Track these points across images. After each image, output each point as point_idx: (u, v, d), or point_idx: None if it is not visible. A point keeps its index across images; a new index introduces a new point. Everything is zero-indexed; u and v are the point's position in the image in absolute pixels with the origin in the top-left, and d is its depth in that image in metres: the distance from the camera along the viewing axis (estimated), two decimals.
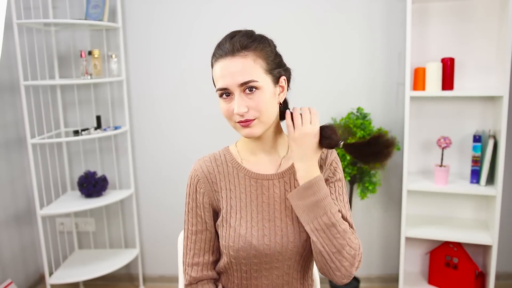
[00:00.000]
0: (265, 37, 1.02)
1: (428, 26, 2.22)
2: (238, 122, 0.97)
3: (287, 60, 1.07)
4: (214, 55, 0.99)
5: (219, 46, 0.98)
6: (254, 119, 0.96)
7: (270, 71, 0.98)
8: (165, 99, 2.49)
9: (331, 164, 1.07)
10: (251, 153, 1.08)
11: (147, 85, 2.48)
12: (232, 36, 0.98)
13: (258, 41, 0.97)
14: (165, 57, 2.45)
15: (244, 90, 0.95)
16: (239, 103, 0.94)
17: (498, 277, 2.34)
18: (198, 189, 1.06)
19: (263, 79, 0.96)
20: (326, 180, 1.06)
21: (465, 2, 2.16)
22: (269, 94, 0.97)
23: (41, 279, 2.69)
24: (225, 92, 0.96)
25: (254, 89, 0.95)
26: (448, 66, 2.10)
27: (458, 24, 2.19)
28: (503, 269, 2.42)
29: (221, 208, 1.05)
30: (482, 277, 2.24)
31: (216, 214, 1.07)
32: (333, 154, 1.09)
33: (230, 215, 1.03)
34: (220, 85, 0.96)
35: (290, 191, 1.04)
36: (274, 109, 1.00)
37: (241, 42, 0.95)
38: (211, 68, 1.02)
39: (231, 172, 1.06)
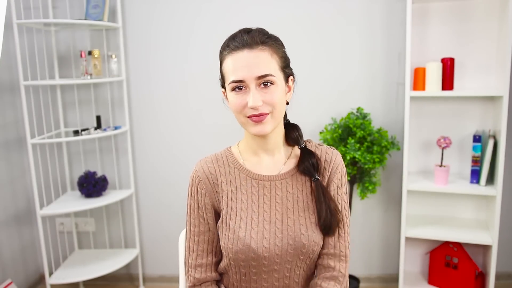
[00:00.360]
0: (277, 37, 1.03)
1: (428, 26, 2.22)
2: (250, 117, 0.96)
3: None
4: (227, 47, 0.97)
5: (234, 38, 0.97)
6: (268, 114, 0.95)
7: (283, 68, 0.99)
8: (165, 99, 2.49)
9: (337, 168, 1.07)
10: (253, 154, 1.07)
11: (147, 85, 2.48)
12: (248, 31, 0.98)
13: (273, 39, 0.99)
14: (165, 57, 2.44)
15: (259, 84, 0.94)
16: (255, 96, 0.93)
17: (498, 277, 2.34)
18: (199, 190, 1.05)
19: (278, 75, 0.97)
20: (334, 186, 1.06)
21: (465, 2, 2.16)
22: (281, 91, 0.98)
23: (41, 279, 2.69)
24: (239, 86, 0.95)
25: (269, 83, 0.95)
26: (448, 66, 2.10)
27: (458, 24, 2.19)
28: (503, 269, 2.42)
29: (222, 209, 1.04)
30: (482, 277, 2.24)
31: (218, 214, 1.07)
32: (338, 157, 1.08)
33: (229, 217, 1.02)
34: (235, 77, 0.94)
35: (292, 193, 1.04)
36: (284, 107, 1.01)
37: (259, 37, 0.95)
38: (220, 62, 1.01)
39: (233, 173, 1.06)
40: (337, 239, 1.04)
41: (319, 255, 1.05)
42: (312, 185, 1.04)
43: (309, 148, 1.08)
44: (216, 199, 1.05)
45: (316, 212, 1.02)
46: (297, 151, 1.09)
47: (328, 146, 1.10)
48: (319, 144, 1.10)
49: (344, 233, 1.05)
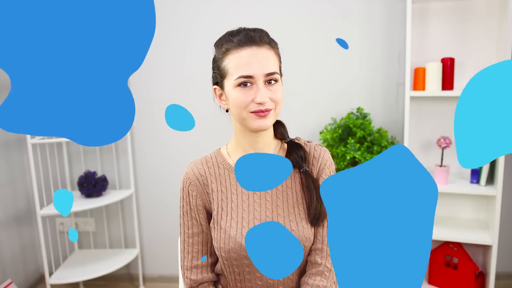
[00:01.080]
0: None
1: (428, 26, 2.22)
2: (255, 112, 0.96)
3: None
4: (230, 41, 0.97)
5: (237, 34, 0.97)
6: (271, 110, 0.97)
7: (280, 69, 1.02)
8: (165, 99, 2.49)
9: (326, 164, 1.07)
10: (244, 153, 1.07)
11: (147, 85, 2.48)
12: (253, 29, 0.99)
13: (274, 42, 1.02)
14: (165, 57, 2.44)
15: (265, 82, 0.96)
16: (264, 93, 0.95)
17: (498, 277, 2.34)
18: (190, 192, 1.06)
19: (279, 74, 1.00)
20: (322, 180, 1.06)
21: (465, 2, 2.16)
22: (282, 89, 1.01)
23: (41, 279, 2.69)
24: (246, 81, 0.95)
25: (273, 81, 0.97)
26: (448, 66, 2.10)
27: (458, 24, 2.19)
28: (503, 269, 2.42)
29: (213, 210, 1.05)
30: (482, 277, 2.24)
31: (210, 215, 1.07)
32: (327, 153, 1.09)
33: (220, 217, 1.03)
34: (245, 72, 0.94)
35: (282, 190, 1.05)
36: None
37: (266, 38, 0.98)
38: (218, 57, 1.00)
39: (222, 173, 1.07)
40: (325, 234, 1.05)
41: (309, 251, 1.06)
42: (301, 177, 1.05)
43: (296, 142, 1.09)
44: (207, 200, 1.06)
45: (305, 204, 1.03)
46: (285, 148, 1.10)
47: (317, 144, 1.11)
48: (307, 141, 1.12)
49: None
